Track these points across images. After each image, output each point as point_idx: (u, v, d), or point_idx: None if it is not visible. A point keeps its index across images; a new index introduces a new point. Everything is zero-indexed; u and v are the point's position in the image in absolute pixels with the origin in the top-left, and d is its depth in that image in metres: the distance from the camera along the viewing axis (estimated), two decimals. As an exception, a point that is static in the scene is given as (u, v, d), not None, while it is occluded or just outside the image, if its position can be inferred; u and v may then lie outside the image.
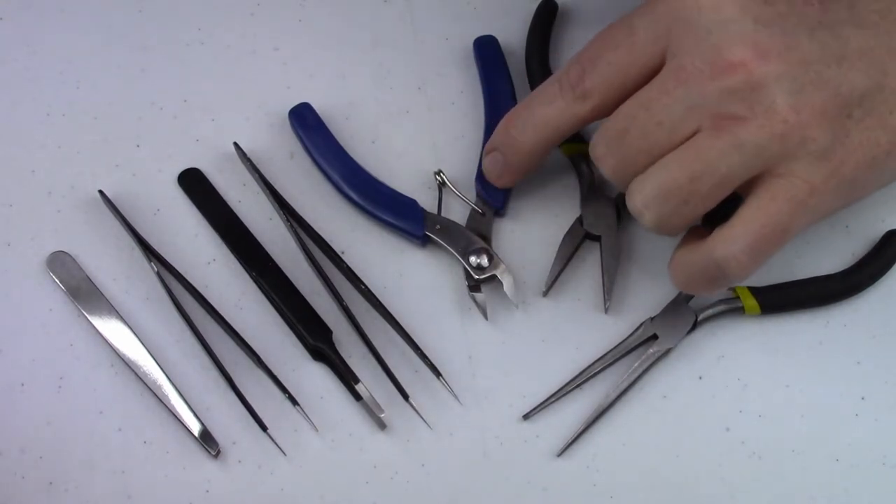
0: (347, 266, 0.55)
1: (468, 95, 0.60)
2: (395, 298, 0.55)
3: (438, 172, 0.57)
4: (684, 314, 0.54)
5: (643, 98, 0.49)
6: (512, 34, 0.60)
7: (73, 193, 0.57)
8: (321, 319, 0.54)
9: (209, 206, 0.57)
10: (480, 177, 0.57)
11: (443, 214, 0.56)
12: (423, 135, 0.59)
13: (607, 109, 0.50)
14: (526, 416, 0.53)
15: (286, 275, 0.55)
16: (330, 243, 0.56)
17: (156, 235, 0.56)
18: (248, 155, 0.57)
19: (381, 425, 0.52)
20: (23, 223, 0.56)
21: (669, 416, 0.53)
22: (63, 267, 0.55)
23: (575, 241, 0.56)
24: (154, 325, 0.54)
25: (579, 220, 0.56)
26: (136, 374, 0.53)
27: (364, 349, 0.53)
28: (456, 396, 0.53)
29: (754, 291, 0.54)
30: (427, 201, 0.57)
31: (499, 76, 0.59)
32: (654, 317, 0.54)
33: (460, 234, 0.55)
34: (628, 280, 0.56)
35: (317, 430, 0.52)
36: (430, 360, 0.53)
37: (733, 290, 0.54)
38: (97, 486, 0.51)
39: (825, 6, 0.49)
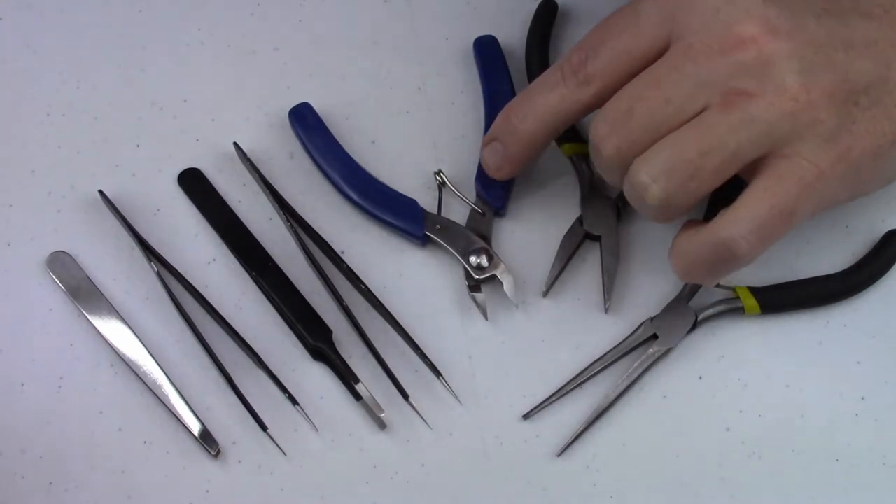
0: (347, 266, 0.55)
1: (468, 95, 0.60)
2: (395, 298, 0.55)
3: (438, 172, 0.57)
4: (684, 314, 0.54)
5: (651, 76, 0.48)
6: (512, 34, 0.60)
7: (73, 193, 0.57)
8: (321, 319, 0.54)
9: (209, 206, 0.57)
10: (480, 177, 0.57)
11: (443, 214, 0.56)
12: (423, 135, 0.59)
13: (610, 95, 0.49)
14: (526, 416, 0.53)
15: (286, 275, 0.55)
16: (330, 243, 0.56)
17: (156, 235, 0.56)
18: (249, 155, 0.57)
19: (381, 425, 0.52)
20: (23, 223, 0.56)
21: (669, 416, 0.53)
22: (63, 267, 0.55)
23: (575, 241, 0.56)
24: (154, 325, 0.54)
25: (579, 220, 0.56)
26: (136, 374, 0.53)
27: (364, 349, 0.53)
28: (456, 396, 0.53)
29: (754, 291, 0.54)
30: (427, 201, 0.57)
31: (499, 76, 0.59)
32: (654, 317, 0.54)
33: (460, 234, 0.55)
34: (628, 280, 0.56)
35: (317, 430, 0.52)
36: (430, 360, 0.53)
37: (733, 290, 0.54)
38: (97, 486, 0.51)
39: None
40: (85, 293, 0.54)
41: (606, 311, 0.55)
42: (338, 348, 0.53)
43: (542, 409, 0.53)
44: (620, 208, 0.56)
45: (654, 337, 0.54)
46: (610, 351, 0.54)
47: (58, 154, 0.58)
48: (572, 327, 0.55)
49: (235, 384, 0.52)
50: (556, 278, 0.55)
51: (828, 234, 0.57)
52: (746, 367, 0.54)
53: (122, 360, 0.53)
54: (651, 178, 0.48)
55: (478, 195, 0.57)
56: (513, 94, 0.59)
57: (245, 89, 0.60)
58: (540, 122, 0.52)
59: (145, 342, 0.53)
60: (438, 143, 0.59)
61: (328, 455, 0.52)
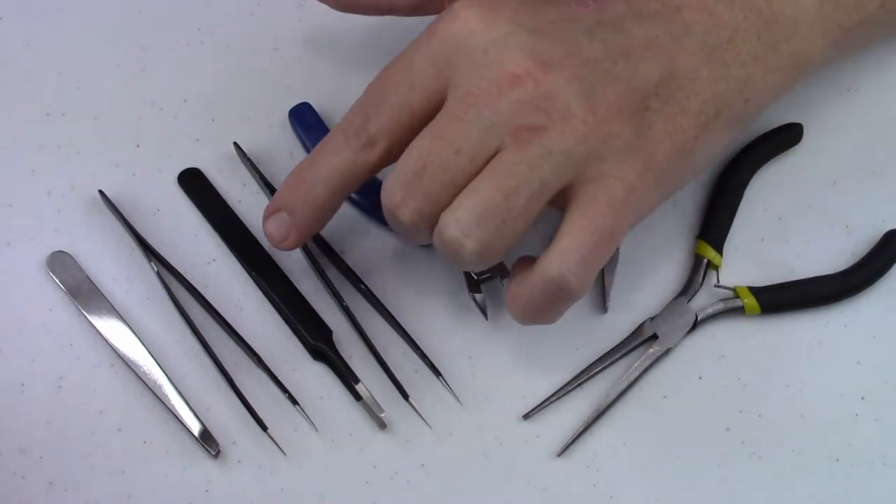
0: (348, 266, 0.55)
1: (468, 95, 0.60)
2: (395, 298, 0.55)
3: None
4: (684, 314, 0.54)
5: (436, 129, 0.47)
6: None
7: (73, 193, 0.57)
8: (321, 319, 0.54)
9: (209, 206, 0.57)
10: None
11: (443, 214, 0.56)
12: (423, 135, 0.59)
13: (397, 153, 0.48)
14: (526, 416, 0.53)
15: (286, 275, 0.55)
16: (330, 243, 0.56)
17: (156, 235, 0.56)
18: (249, 155, 0.57)
19: (381, 425, 0.52)
20: (23, 223, 0.56)
21: (669, 416, 0.53)
22: (63, 267, 0.55)
23: (575, 241, 0.56)
24: (154, 325, 0.54)
25: (579, 220, 0.56)
26: (136, 374, 0.53)
27: (364, 349, 0.53)
28: (456, 396, 0.53)
29: (754, 291, 0.54)
30: (427, 201, 0.57)
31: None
32: (654, 317, 0.54)
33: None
34: (628, 280, 0.56)
35: (317, 430, 0.52)
36: (430, 360, 0.53)
37: (733, 290, 0.54)
38: (97, 486, 0.51)
39: (601, 4, 0.49)
40: (85, 293, 0.54)
41: (606, 311, 0.55)
42: (338, 348, 0.53)
43: (542, 409, 0.53)
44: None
45: (654, 337, 0.54)
46: (610, 351, 0.54)
47: (58, 154, 0.58)
48: (572, 327, 0.55)
49: (235, 384, 0.52)
50: (556, 278, 0.55)
51: (828, 234, 0.57)
52: (746, 367, 0.54)
53: (122, 360, 0.53)
54: (463, 233, 0.46)
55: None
56: None
57: (245, 89, 0.60)
58: (328, 187, 0.50)
59: (145, 342, 0.53)
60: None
61: (328, 455, 0.52)
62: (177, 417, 0.52)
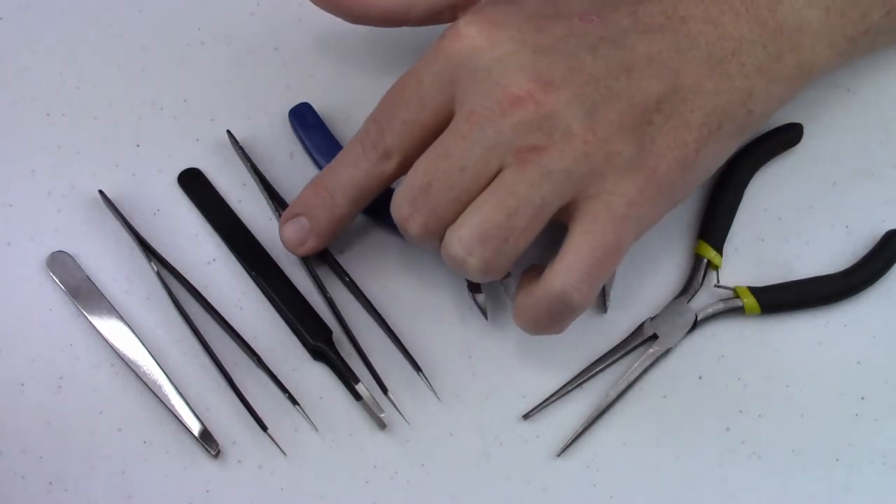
0: (333, 258, 0.55)
1: (468, 95, 0.60)
2: (395, 298, 0.55)
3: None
4: (684, 314, 0.54)
5: (440, 148, 0.48)
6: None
7: (73, 193, 0.57)
8: (321, 319, 0.54)
9: (209, 206, 0.57)
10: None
11: (443, 214, 0.56)
12: (423, 135, 0.59)
13: (411, 165, 0.49)
14: (526, 416, 0.53)
15: (286, 275, 0.55)
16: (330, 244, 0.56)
17: (156, 235, 0.56)
18: (248, 154, 0.57)
19: (381, 425, 0.52)
20: (23, 223, 0.56)
21: (669, 416, 0.53)
22: (63, 267, 0.55)
23: (575, 241, 0.56)
24: (154, 325, 0.54)
25: (579, 220, 0.56)
26: (136, 374, 0.53)
27: (364, 349, 0.53)
28: (435, 392, 0.53)
29: (754, 291, 0.54)
30: (427, 201, 0.57)
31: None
32: (654, 317, 0.54)
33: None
34: (628, 280, 0.56)
35: (317, 430, 0.52)
36: (410, 355, 0.53)
37: (733, 290, 0.54)
38: (97, 486, 0.51)
39: (605, 19, 0.49)
40: (85, 293, 0.54)
41: (606, 311, 0.55)
42: (338, 348, 0.53)
43: (542, 409, 0.53)
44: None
45: (654, 337, 0.54)
46: (610, 351, 0.54)
47: (58, 154, 0.58)
48: (572, 327, 0.54)
49: (235, 384, 0.52)
50: (556, 278, 0.55)
51: (828, 234, 0.57)
52: (746, 367, 0.54)
53: (122, 360, 0.53)
54: (466, 251, 0.48)
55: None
56: None
57: (245, 89, 0.60)
58: (348, 196, 0.52)
59: (145, 342, 0.53)
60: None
61: (328, 455, 0.52)
62: (177, 417, 0.52)
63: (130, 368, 0.53)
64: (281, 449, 0.52)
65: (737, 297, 0.54)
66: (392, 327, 0.54)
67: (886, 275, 0.55)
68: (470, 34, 0.48)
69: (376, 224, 0.56)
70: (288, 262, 0.56)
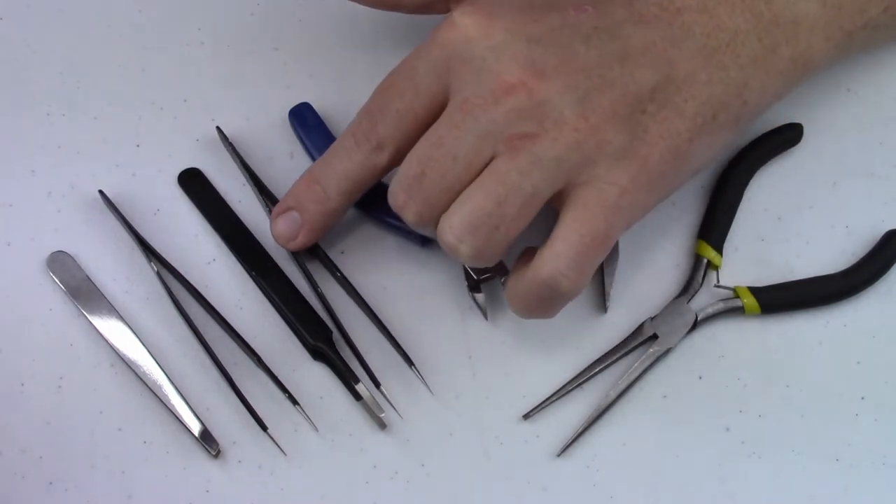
0: (324, 253, 0.55)
1: (468, 95, 0.60)
2: (395, 298, 0.55)
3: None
4: (684, 314, 0.54)
5: (433, 137, 0.49)
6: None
7: (73, 193, 0.57)
8: (321, 319, 0.54)
9: (209, 206, 0.57)
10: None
11: (443, 214, 0.56)
12: (423, 135, 0.59)
13: (404, 153, 0.50)
14: (526, 416, 0.53)
15: (286, 275, 0.55)
16: (330, 243, 0.56)
17: (156, 235, 0.56)
18: (237, 150, 0.57)
19: (381, 425, 0.52)
20: (23, 223, 0.56)
21: (669, 416, 0.53)
22: (63, 267, 0.55)
23: (575, 241, 0.56)
24: (154, 325, 0.54)
25: (579, 220, 0.56)
26: (136, 374, 0.53)
27: (364, 349, 0.53)
28: (427, 386, 0.53)
29: (754, 291, 0.54)
30: (427, 201, 0.57)
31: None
32: (654, 317, 0.54)
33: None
34: (628, 280, 0.56)
35: (317, 430, 0.52)
36: (403, 350, 0.53)
37: (733, 290, 0.54)
38: (97, 486, 0.51)
39: (600, 10, 0.49)
40: (85, 293, 0.54)
41: (606, 311, 0.55)
42: (338, 348, 0.53)
43: (542, 409, 0.53)
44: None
45: (654, 337, 0.54)
46: (610, 351, 0.54)
47: (58, 154, 0.58)
48: (572, 327, 0.55)
49: (235, 384, 0.52)
50: (556, 278, 0.55)
51: (828, 234, 0.57)
52: (746, 367, 0.54)
53: (122, 360, 0.53)
54: (458, 239, 0.48)
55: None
56: None
57: (245, 89, 0.60)
58: (340, 190, 0.52)
59: (145, 342, 0.53)
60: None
61: (328, 455, 0.52)
62: (177, 417, 0.52)
63: (130, 368, 0.53)
64: (281, 449, 0.52)
65: (737, 297, 0.54)
66: (384, 322, 0.54)
67: (886, 275, 0.55)
68: (464, 24, 0.49)
69: (374, 222, 0.56)
70: (288, 261, 0.56)
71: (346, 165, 0.52)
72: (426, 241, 0.56)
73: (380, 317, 0.54)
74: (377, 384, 0.52)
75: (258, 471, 0.52)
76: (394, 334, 0.54)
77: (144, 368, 0.53)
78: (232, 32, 0.61)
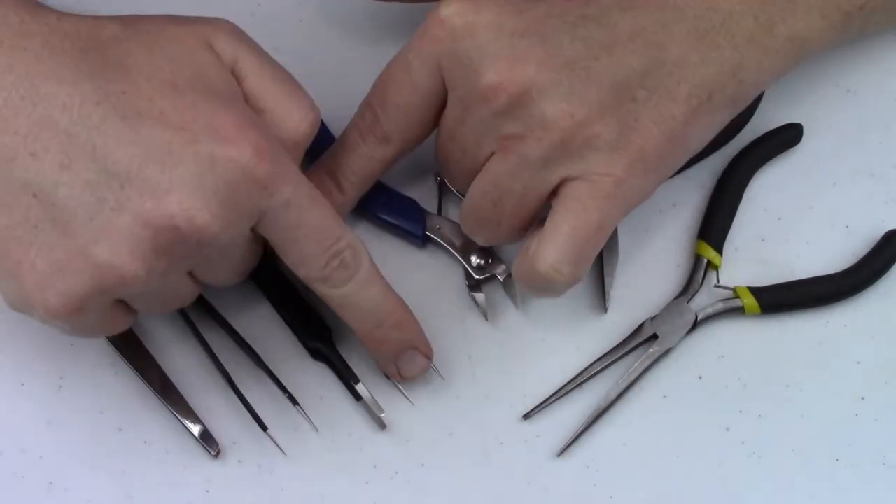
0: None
1: (468, 95, 0.60)
2: (395, 298, 0.55)
3: (438, 174, 0.57)
4: (684, 314, 0.54)
5: (445, 130, 0.50)
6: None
7: (73, 193, 0.57)
8: (321, 319, 0.54)
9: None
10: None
11: (443, 214, 0.56)
12: (423, 135, 0.59)
13: (412, 144, 0.52)
14: (526, 416, 0.53)
15: (286, 275, 0.55)
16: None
17: (156, 235, 0.56)
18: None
19: (381, 425, 0.52)
20: (23, 223, 0.56)
21: (669, 416, 0.53)
22: (63, 267, 0.55)
23: (575, 241, 0.56)
24: (154, 325, 0.54)
25: (579, 220, 0.56)
26: (136, 374, 0.53)
27: (364, 349, 0.53)
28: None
29: (754, 291, 0.54)
30: (427, 201, 0.57)
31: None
32: (654, 317, 0.54)
33: (460, 234, 0.55)
34: (628, 280, 0.56)
35: (317, 430, 0.52)
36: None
37: (733, 290, 0.54)
38: (97, 486, 0.51)
39: None
40: (85, 293, 0.54)
41: (606, 311, 0.55)
42: (338, 348, 0.53)
43: (542, 409, 0.53)
44: (620, 208, 0.56)
45: (654, 337, 0.54)
46: (610, 351, 0.54)
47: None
48: (572, 327, 0.55)
49: (235, 384, 0.52)
50: (556, 278, 0.55)
51: (828, 234, 0.57)
52: (746, 367, 0.54)
53: (123, 360, 0.53)
54: (470, 231, 0.52)
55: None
56: None
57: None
58: (350, 183, 0.53)
59: (145, 342, 0.53)
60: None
61: (328, 455, 0.52)
62: (177, 417, 0.52)
63: (130, 368, 0.53)
64: (281, 449, 0.52)
65: (737, 297, 0.54)
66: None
67: (886, 275, 0.55)
68: (450, 19, 0.48)
69: (374, 222, 0.56)
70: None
71: (353, 159, 0.52)
72: (426, 241, 0.56)
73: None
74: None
75: (258, 471, 0.52)
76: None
77: (144, 368, 0.53)
78: (232, 32, 0.61)
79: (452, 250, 0.55)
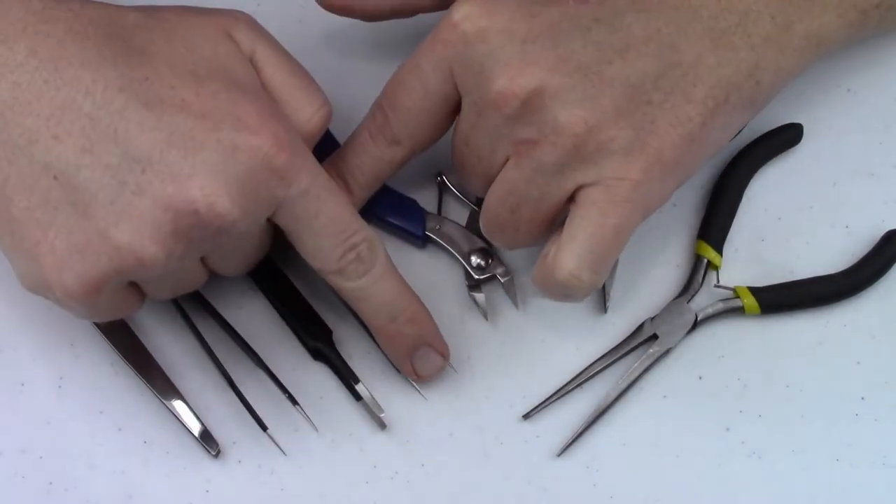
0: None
1: (468, 95, 0.60)
2: (395, 298, 0.55)
3: (439, 174, 0.57)
4: (684, 314, 0.54)
5: (460, 134, 0.50)
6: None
7: (73, 193, 0.57)
8: (321, 319, 0.54)
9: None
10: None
11: (443, 215, 0.56)
12: (423, 135, 0.59)
13: (421, 147, 0.52)
14: (526, 416, 0.53)
15: (286, 275, 0.55)
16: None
17: (156, 235, 0.56)
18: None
19: (381, 425, 0.52)
20: (23, 223, 0.56)
21: (669, 416, 0.53)
22: (63, 267, 0.55)
23: (575, 241, 0.56)
24: (154, 325, 0.54)
25: (579, 220, 0.56)
26: (136, 373, 0.53)
27: (364, 349, 0.53)
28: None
29: (754, 291, 0.54)
30: (427, 201, 0.57)
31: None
32: (654, 317, 0.54)
33: (460, 234, 0.55)
34: (628, 280, 0.56)
35: (317, 430, 0.52)
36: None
37: (733, 290, 0.54)
38: (97, 486, 0.51)
39: (601, 0, 0.49)
40: (85, 293, 0.54)
41: (606, 311, 0.55)
42: (338, 348, 0.53)
43: (542, 409, 0.53)
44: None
45: (654, 337, 0.54)
46: (610, 351, 0.54)
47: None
48: (572, 327, 0.55)
49: (235, 384, 0.52)
50: (556, 278, 0.55)
51: (828, 234, 0.57)
52: (746, 367, 0.54)
53: (122, 360, 0.53)
54: (489, 235, 0.51)
55: (478, 197, 0.57)
56: None
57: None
58: (359, 184, 0.53)
59: (145, 342, 0.53)
60: (438, 143, 0.58)
61: (328, 455, 0.52)
62: (177, 417, 0.52)
63: (130, 368, 0.53)
64: (281, 449, 0.52)
65: (737, 297, 0.54)
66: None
67: (886, 275, 0.55)
68: (463, 24, 0.48)
69: (374, 222, 0.56)
70: (288, 262, 0.55)
71: (362, 159, 0.52)
72: (426, 241, 0.56)
73: None
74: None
75: (258, 471, 0.52)
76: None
77: (145, 368, 0.53)
78: (232, 32, 0.61)
79: (452, 250, 0.55)
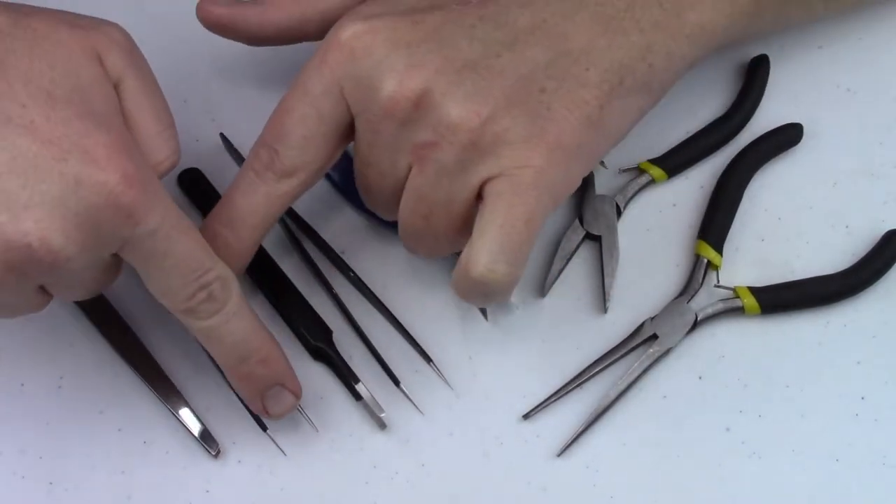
0: (336, 255, 0.55)
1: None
2: (395, 298, 0.55)
3: None
4: (684, 314, 0.54)
5: (360, 155, 0.49)
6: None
7: (73, 193, 0.57)
8: (321, 319, 0.54)
9: (209, 206, 0.56)
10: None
11: (443, 214, 0.56)
12: (423, 135, 0.59)
13: (318, 175, 0.50)
14: (526, 416, 0.53)
15: (286, 275, 0.55)
16: (330, 243, 0.56)
17: (156, 235, 0.56)
18: (243, 157, 0.57)
19: (381, 425, 0.52)
20: (23, 223, 0.56)
21: (669, 416, 0.53)
22: (63, 267, 0.55)
23: (575, 241, 0.56)
24: (154, 325, 0.54)
25: (579, 220, 0.56)
26: (136, 374, 0.53)
27: (364, 349, 0.53)
28: (447, 382, 0.53)
29: (754, 291, 0.54)
30: (427, 201, 0.57)
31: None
32: (654, 317, 0.54)
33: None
34: (628, 280, 0.56)
35: (317, 430, 0.52)
36: (420, 346, 0.53)
37: (733, 290, 0.54)
38: (97, 486, 0.51)
39: None
40: (85, 293, 0.54)
41: (606, 311, 0.55)
42: (338, 348, 0.53)
43: (542, 409, 0.53)
44: (620, 208, 0.56)
45: (654, 337, 0.54)
46: (610, 351, 0.54)
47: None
48: (572, 327, 0.55)
49: (235, 384, 0.52)
50: (556, 278, 0.55)
51: (828, 234, 0.57)
52: (746, 367, 0.54)
53: (122, 360, 0.53)
54: (411, 250, 0.51)
55: None
56: None
57: (245, 90, 0.60)
58: (249, 227, 0.50)
59: (145, 342, 0.53)
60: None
61: (328, 455, 0.52)
62: (177, 417, 0.52)
63: (130, 368, 0.53)
64: (281, 449, 0.52)
65: (737, 297, 0.54)
66: (402, 322, 0.54)
67: (886, 275, 0.55)
68: (347, 41, 0.48)
69: (374, 222, 0.56)
70: (288, 262, 0.56)
71: (251, 201, 0.50)
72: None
73: (396, 316, 0.54)
74: (397, 382, 0.53)
75: (258, 471, 0.52)
76: (409, 331, 0.54)
77: (144, 368, 0.53)
78: (232, 32, 0.61)
79: (452, 250, 0.55)
